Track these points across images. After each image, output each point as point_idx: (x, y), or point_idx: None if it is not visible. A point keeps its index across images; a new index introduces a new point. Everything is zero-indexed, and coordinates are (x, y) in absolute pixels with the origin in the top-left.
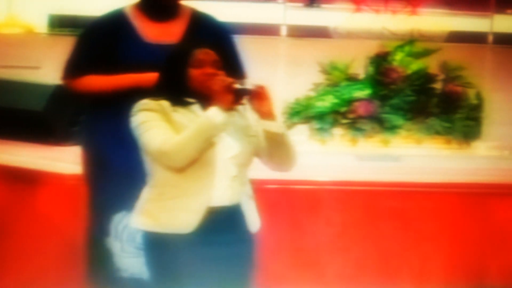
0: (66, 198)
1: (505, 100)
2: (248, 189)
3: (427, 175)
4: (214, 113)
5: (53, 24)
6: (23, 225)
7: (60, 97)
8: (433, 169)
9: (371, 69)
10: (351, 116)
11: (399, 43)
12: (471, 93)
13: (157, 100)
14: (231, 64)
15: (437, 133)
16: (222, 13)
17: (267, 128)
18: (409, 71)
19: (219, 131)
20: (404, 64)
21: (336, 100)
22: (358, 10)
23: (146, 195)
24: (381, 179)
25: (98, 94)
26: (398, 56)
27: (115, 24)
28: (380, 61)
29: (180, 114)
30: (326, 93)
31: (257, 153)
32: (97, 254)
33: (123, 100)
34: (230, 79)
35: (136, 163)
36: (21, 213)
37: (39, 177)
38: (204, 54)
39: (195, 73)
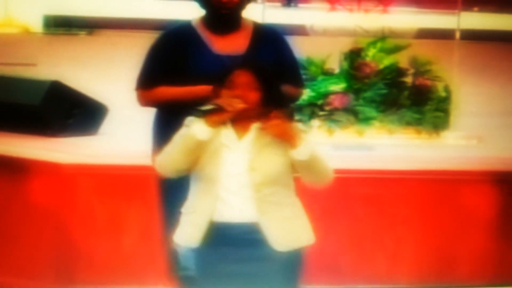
0: (62, 186)
1: (472, 92)
2: (279, 207)
3: (399, 163)
4: (198, 126)
5: (48, 24)
6: (21, 212)
7: (55, 92)
8: (404, 158)
9: (345, 64)
10: (327, 108)
11: (371, 40)
12: (439, 86)
13: (199, 117)
14: (290, 72)
15: (408, 124)
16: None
17: (292, 156)
18: (381, 66)
19: (193, 141)
20: (376, 59)
21: (313, 93)
22: (333, 9)
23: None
24: (356, 167)
25: (166, 103)
26: (371, 52)
27: (184, 36)
28: (354, 56)
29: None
30: None
31: (287, 171)
32: (169, 253)
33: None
34: (235, 103)
35: None
36: (18, 201)
37: (36, 167)
38: (240, 76)
39: (223, 93)
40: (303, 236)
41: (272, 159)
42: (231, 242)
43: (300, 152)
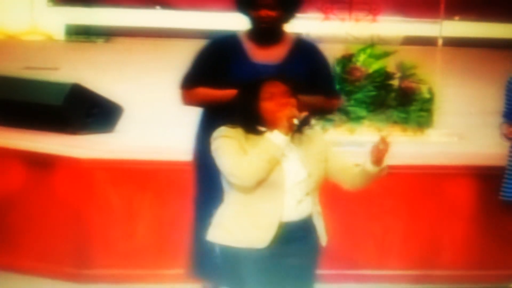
0: (81, 178)
1: (453, 94)
2: (318, 207)
3: (386, 158)
4: (275, 136)
5: (69, 32)
6: (44, 202)
7: (75, 93)
8: (391, 153)
9: (338, 69)
10: None
11: (361, 46)
12: (423, 88)
13: (233, 127)
14: (323, 83)
15: (395, 122)
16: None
17: (370, 170)
18: (370, 70)
19: (279, 152)
20: (366, 64)
21: None
22: (326, 18)
23: (223, 211)
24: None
25: (205, 104)
26: (361, 58)
27: (228, 45)
28: (346, 62)
29: (252, 141)
30: None
31: (326, 176)
32: (200, 244)
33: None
34: (294, 112)
35: None
36: (42, 192)
37: (58, 161)
38: (274, 86)
39: (267, 105)
40: (325, 232)
41: (320, 167)
42: (286, 239)
43: (383, 169)
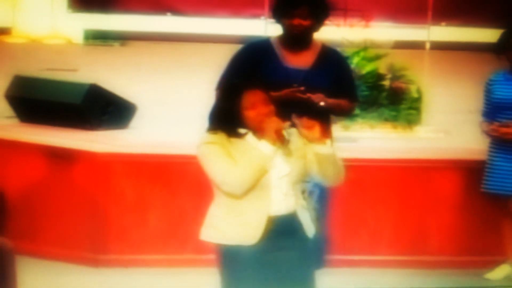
0: (98, 171)
1: (439, 93)
2: (302, 201)
3: (378, 153)
4: (265, 147)
5: (87, 36)
6: (64, 192)
7: (93, 93)
8: (383, 148)
9: None
10: None
11: (355, 49)
12: (412, 88)
13: (214, 133)
14: (346, 87)
15: (386, 120)
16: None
17: (317, 151)
18: (363, 72)
19: (269, 161)
20: (359, 66)
21: None
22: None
23: (214, 212)
24: (342, 156)
25: None
26: (355, 60)
27: (262, 50)
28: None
29: (235, 144)
30: None
31: (307, 171)
32: None
33: None
34: (280, 123)
35: None
36: (62, 183)
37: (77, 155)
38: (255, 95)
39: (250, 114)
40: (313, 224)
41: (299, 162)
42: (276, 233)
43: (327, 147)
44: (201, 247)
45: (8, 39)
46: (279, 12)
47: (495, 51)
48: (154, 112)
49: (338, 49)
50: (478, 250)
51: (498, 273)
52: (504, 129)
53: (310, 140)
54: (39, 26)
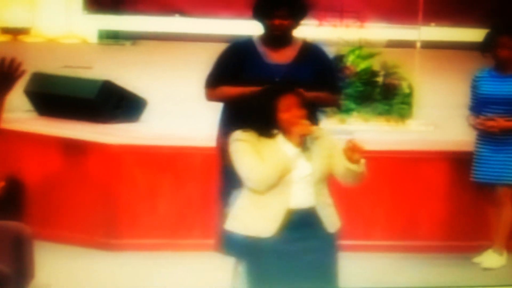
0: (111, 161)
1: (429, 89)
2: (326, 199)
3: (373, 145)
4: (290, 149)
5: (101, 36)
6: (79, 181)
7: (106, 88)
8: (377, 140)
9: None
10: None
11: (351, 48)
12: (404, 84)
13: (247, 131)
14: (328, 80)
15: (380, 114)
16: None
17: (350, 168)
18: (358, 69)
19: (293, 163)
20: (355, 63)
21: None
22: (321, 25)
23: (239, 204)
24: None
25: (226, 100)
26: (351, 58)
27: (245, 49)
28: (338, 61)
29: (265, 143)
30: None
31: (329, 171)
32: (223, 220)
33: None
34: (308, 128)
35: None
36: (77, 172)
37: (91, 146)
38: (290, 99)
39: (284, 116)
40: (337, 219)
41: (323, 162)
42: (294, 226)
43: (361, 167)
44: (207, 232)
45: (27, 39)
46: (260, 13)
47: (481, 50)
48: (163, 106)
49: (320, 44)
50: (466, 236)
51: (484, 257)
52: (490, 123)
53: (349, 159)
54: (56, 27)
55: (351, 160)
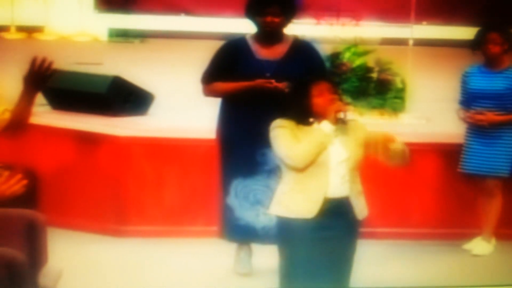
0: (120, 152)
1: (421, 85)
2: (358, 186)
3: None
4: (325, 126)
5: (111, 34)
6: (90, 171)
7: (116, 84)
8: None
9: (328, 64)
10: None
11: (347, 46)
12: (397, 80)
13: (286, 119)
14: (318, 74)
15: (374, 107)
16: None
17: (393, 148)
18: (354, 65)
19: (328, 139)
20: (350, 60)
21: None
22: (318, 23)
23: (280, 189)
24: None
25: (221, 94)
26: (347, 55)
27: (238, 46)
28: (334, 58)
29: (303, 130)
30: None
31: (363, 158)
32: (223, 209)
33: (242, 100)
34: (343, 105)
35: (250, 144)
36: (89, 163)
37: (102, 138)
38: (322, 84)
39: (318, 100)
40: (365, 207)
41: (358, 150)
42: (330, 213)
43: (403, 146)
44: (210, 220)
45: (41, 37)
46: (253, 11)
47: (471, 47)
48: (170, 101)
49: (310, 41)
50: (456, 224)
51: (473, 244)
52: (479, 116)
53: (385, 149)
54: (69, 25)
55: (388, 149)
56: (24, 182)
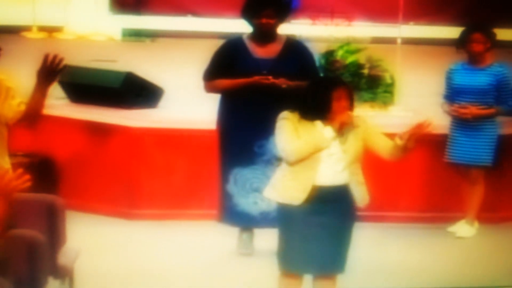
0: (132, 142)
1: (409, 80)
2: (359, 177)
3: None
4: (328, 132)
5: (124, 34)
6: (104, 160)
7: (129, 79)
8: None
9: (322, 61)
10: None
11: (340, 44)
12: (387, 75)
13: (291, 112)
14: (310, 73)
15: (365, 101)
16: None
17: (399, 144)
18: (347, 62)
19: (326, 145)
20: (344, 57)
21: None
22: (313, 24)
23: (276, 175)
24: None
25: (221, 90)
26: (340, 53)
27: (236, 45)
28: (328, 56)
29: (304, 125)
30: None
31: (363, 153)
32: (223, 195)
33: (240, 95)
34: (350, 118)
35: (248, 135)
36: (103, 152)
37: (115, 129)
38: (343, 90)
39: (335, 105)
40: (367, 196)
41: (356, 144)
42: (322, 200)
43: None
44: (215, 204)
45: (60, 36)
46: (249, 14)
47: (456, 46)
48: (178, 95)
49: (302, 40)
50: (442, 208)
51: (458, 227)
52: (462, 110)
53: (409, 138)
54: (86, 26)
55: (408, 139)
56: (28, 177)
